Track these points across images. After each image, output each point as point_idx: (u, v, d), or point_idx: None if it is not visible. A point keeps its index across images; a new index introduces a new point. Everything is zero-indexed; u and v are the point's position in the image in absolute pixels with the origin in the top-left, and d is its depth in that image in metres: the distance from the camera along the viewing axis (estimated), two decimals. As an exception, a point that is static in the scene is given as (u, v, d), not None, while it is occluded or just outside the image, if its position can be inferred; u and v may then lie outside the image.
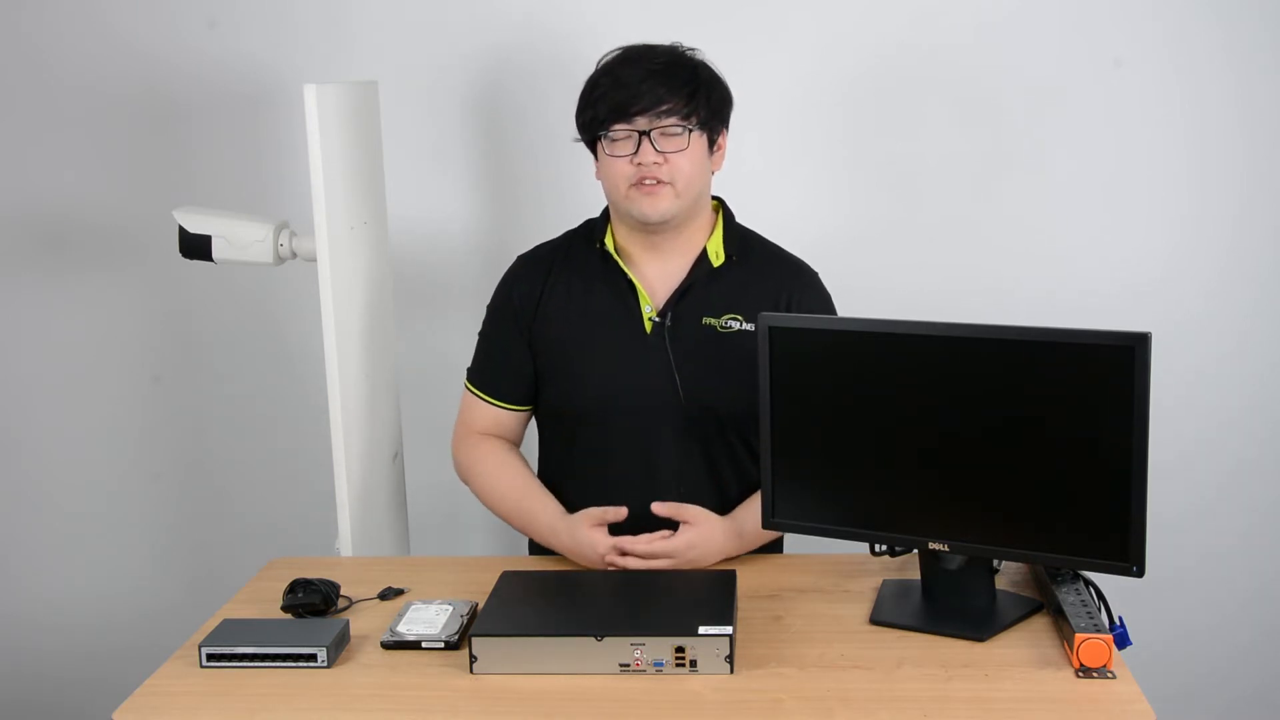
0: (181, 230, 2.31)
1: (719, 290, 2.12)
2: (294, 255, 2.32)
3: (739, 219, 2.23)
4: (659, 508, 2.02)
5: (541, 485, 2.17)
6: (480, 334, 2.26)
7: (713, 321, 2.11)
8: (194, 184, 2.81)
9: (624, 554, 1.99)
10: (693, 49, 2.12)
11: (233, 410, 2.97)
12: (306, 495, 2.85)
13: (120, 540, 3.03)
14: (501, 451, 2.21)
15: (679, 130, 2.03)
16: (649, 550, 1.98)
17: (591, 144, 2.11)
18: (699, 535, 2.01)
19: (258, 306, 2.90)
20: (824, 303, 2.19)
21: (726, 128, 2.15)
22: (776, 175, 2.78)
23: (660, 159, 2.02)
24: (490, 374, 2.22)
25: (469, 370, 2.26)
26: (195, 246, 2.31)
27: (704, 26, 2.70)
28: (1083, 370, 1.70)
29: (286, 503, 2.94)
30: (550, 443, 2.25)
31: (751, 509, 2.07)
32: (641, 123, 2.02)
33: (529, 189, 2.81)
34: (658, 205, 2.05)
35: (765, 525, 1.96)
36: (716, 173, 2.16)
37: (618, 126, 2.03)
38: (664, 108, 2.02)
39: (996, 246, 2.77)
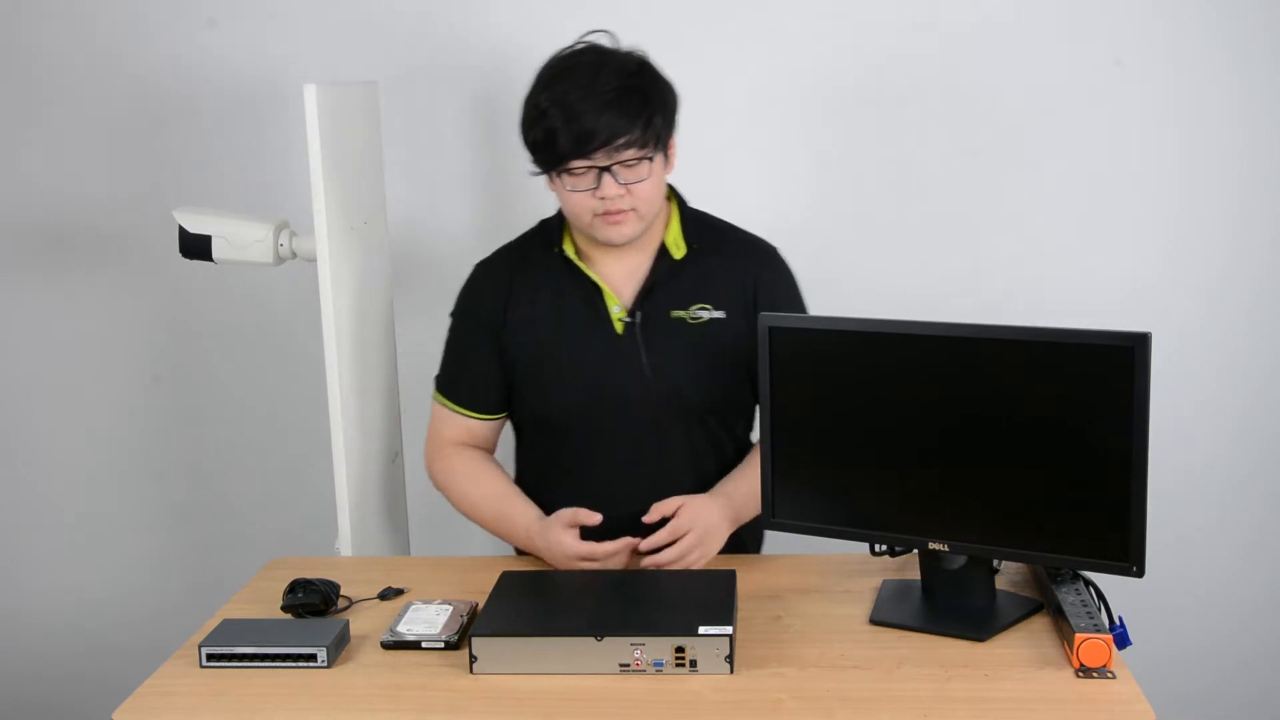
0: (181, 230, 2.31)
1: (684, 282, 2.12)
2: (294, 255, 2.32)
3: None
4: (653, 520, 2.00)
5: (519, 491, 2.16)
6: (447, 343, 2.23)
7: (682, 314, 2.11)
8: (194, 184, 2.81)
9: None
10: (632, 52, 2.05)
11: (233, 410, 2.97)
12: (306, 495, 2.85)
13: (121, 540, 3.04)
14: (477, 460, 2.20)
15: (638, 161, 1.99)
16: (653, 562, 1.97)
17: (545, 171, 2.06)
18: (690, 516, 1.98)
19: (258, 306, 2.90)
20: (787, 278, 2.19)
21: (676, 129, 2.09)
22: (776, 175, 2.78)
23: (623, 190, 2.00)
24: (461, 384, 2.21)
25: (437, 379, 2.24)
26: (195, 246, 2.31)
27: (704, 27, 2.71)
28: (1083, 370, 1.70)
29: (286, 503, 2.94)
30: (530, 450, 2.24)
31: (733, 480, 2.10)
32: (600, 158, 1.97)
33: (529, 189, 2.80)
34: (622, 232, 2.04)
35: (765, 525, 1.96)
36: (669, 174, 2.11)
37: (576, 163, 1.99)
38: (621, 141, 1.96)
39: (996, 246, 2.77)
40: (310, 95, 2.12)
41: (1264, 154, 2.71)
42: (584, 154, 1.98)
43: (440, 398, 2.23)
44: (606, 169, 1.98)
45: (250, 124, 2.81)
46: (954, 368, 1.78)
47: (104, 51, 2.81)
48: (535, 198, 2.79)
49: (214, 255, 2.31)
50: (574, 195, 2.02)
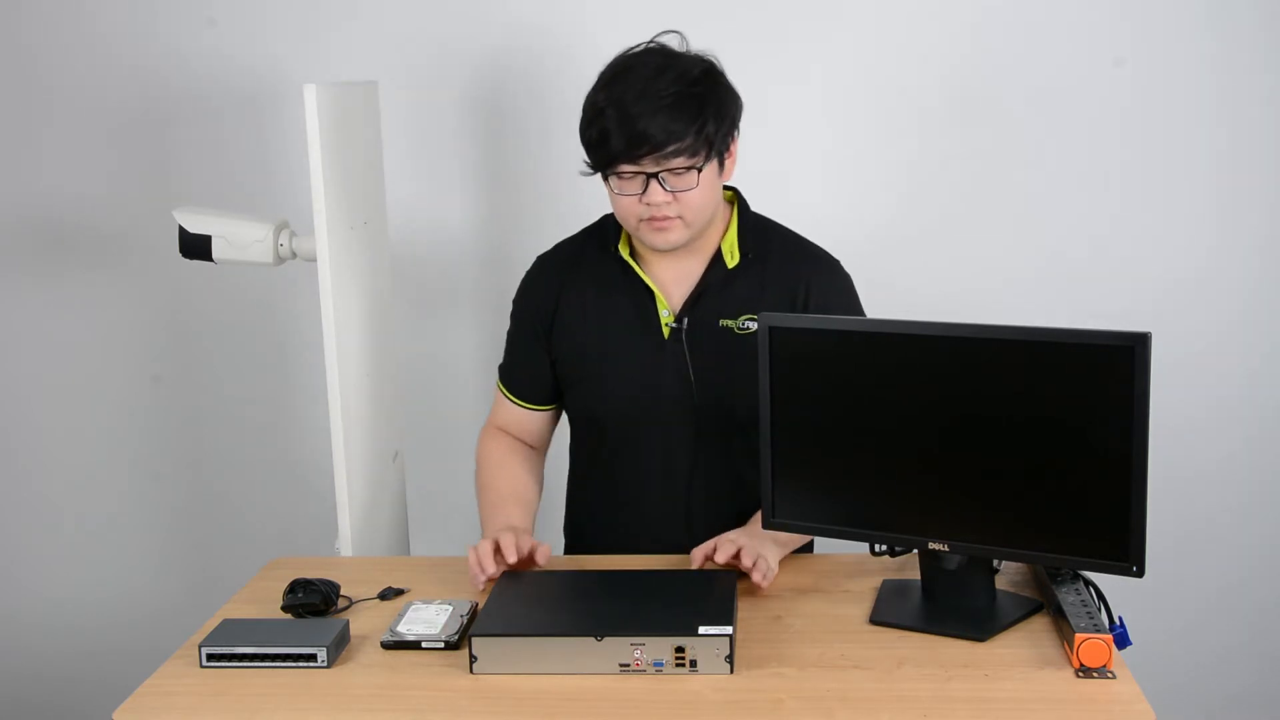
0: (181, 230, 2.31)
1: (735, 291, 2.10)
2: (294, 255, 2.32)
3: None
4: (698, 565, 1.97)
5: (530, 500, 2.17)
6: (508, 332, 2.26)
7: (730, 323, 2.10)
8: (194, 184, 2.82)
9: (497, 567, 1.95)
10: (700, 56, 2.02)
11: (233, 410, 2.97)
12: (306, 495, 2.85)
13: (120, 540, 3.04)
14: (515, 454, 2.23)
15: (687, 169, 1.97)
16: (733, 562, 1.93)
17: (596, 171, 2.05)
18: (732, 533, 1.98)
19: (258, 306, 2.90)
20: (846, 290, 2.15)
21: (737, 134, 2.06)
22: (777, 176, 2.77)
23: (669, 198, 1.98)
24: (513, 374, 2.25)
25: (499, 367, 2.28)
26: (195, 246, 2.31)
27: (704, 28, 2.70)
28: (1083, 370, 1.70)
29: (286, 503, 2.94)
30: (578, 445, 2.27)
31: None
32: (648, 164, 1.94)
33: (528, 189, 2.82)
34: (668, 238, 2.02)
35: (765, 525, 1.96)
36: (727, 180, 2.09)
37: (625, 167, 1.97)
38: (671, 148, 1.93)
39: (996, 246, 2.77)
40: (310, 95, 2.12)
41: (1263, 153, 2.72)
42: (633, 158, 1.95)
43: (499, 384, 2.27)
44: (654, 175, 1.96)
45: (250, 124, 2.81)
46: (954, 368, 1.78)
47: (104, 51, 2.82)
48: (535, 196, 2.80)
49: (214, 255, 2.31)
50: (622, 199, 2.01)
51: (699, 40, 2.05)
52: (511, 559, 1.93)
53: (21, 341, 2.97)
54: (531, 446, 2.27)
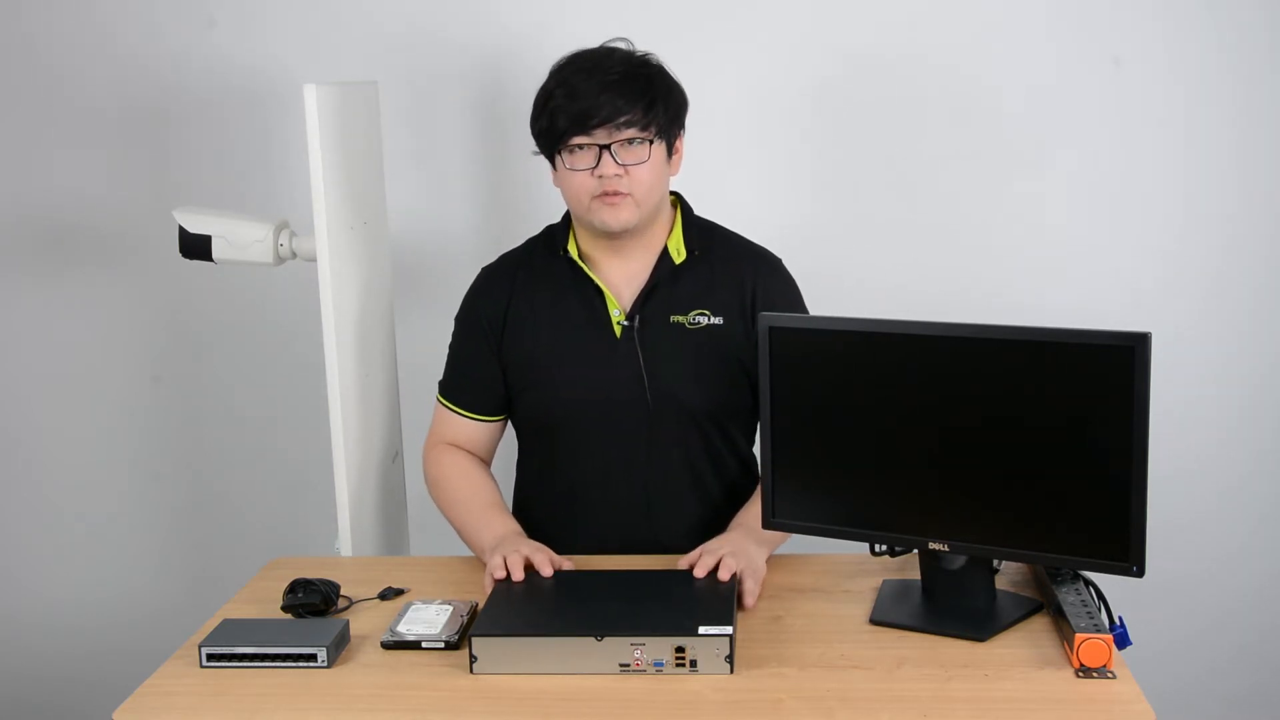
0: (181, 230, 2.31)
1: (684, 287, 2.13)
2: (294, 255, 2.32)
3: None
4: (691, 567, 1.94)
5: (506, 507, 2.17)
6: (450, 346, 2.26)
7: (680, 319, 2.12)
8: (194, 184, 2.82)
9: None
10: (646, 53, 2.09)
11: (233, 410, 2.97)
12: (306, 495, 2.85)
13: (120, 540, 3.04)
14: (474, 463, 2.23)
15: (638, 141, 2.02)
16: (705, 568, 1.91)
17: (549, 154, 2.10)
18: (715, 542, 1.97)
19: (258, 306, 2.90)
20: (790, 289, 2.19)
21: (683, 131, 2.13)
22: (776, 175, 2.78)
23: (621, 171, 2.02)
24: (460, 387, 2.24)
25: (440, 383, 2.27)
26: (195, 246, 2.31)
27: (701, 28, 2.71)
28: (1083, 370, 1.70)
29: (286, 503, 2.94)
30: (528, 453, 2.26)
31: (748, 513, 2.10)
32: (601, 135, 2.01)
33: (529, 189, 2.81)
34: (619, 216, 2.05)
35: (765, 525, 1.96)
36: (674, 176, 2.14)
37: (577, 140, 2.02)
38: (622, 119, 2.00)
39: (996, 246, 2.77)
40: (310, 95, 2.12)
41: (1263, 153, 2.71)
42: (585, 130, 2.01)
43: (441, 399, 2.26)
44: (606, 147, 2.01)
45: (250, 124, 2.81)
46: (954, 368, 1.78)
47: (104, 51, 2.81)
48: (535, 197, 2.80)
49: (214, 255, 2.31)
50: (574, 175, 2.04)
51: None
52: (547, 572, 1.93)
53: (21, 341, 2.97)
54: (480, 459, 2.26)
